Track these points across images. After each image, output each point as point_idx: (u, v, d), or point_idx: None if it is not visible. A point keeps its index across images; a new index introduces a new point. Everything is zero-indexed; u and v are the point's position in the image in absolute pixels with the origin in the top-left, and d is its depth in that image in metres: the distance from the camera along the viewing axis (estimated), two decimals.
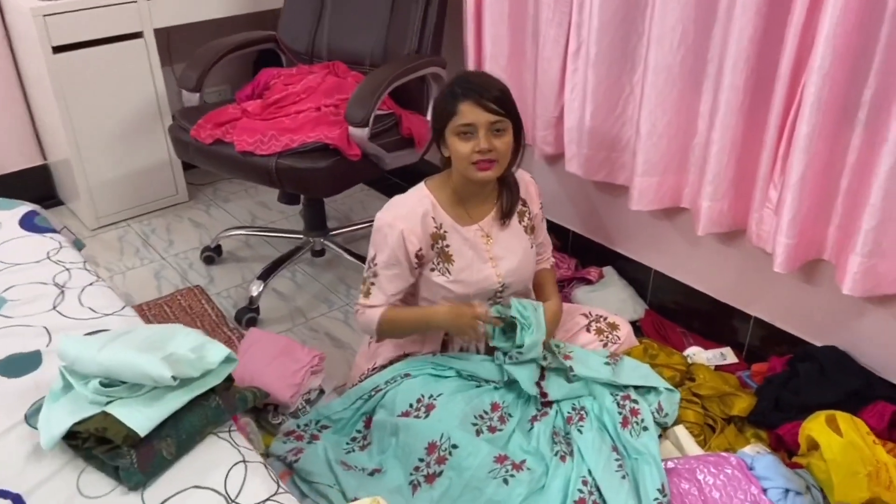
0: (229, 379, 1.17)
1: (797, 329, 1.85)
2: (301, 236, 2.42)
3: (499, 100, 1.53)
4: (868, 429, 1.51)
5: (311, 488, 1.51)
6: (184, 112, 2.16)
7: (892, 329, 1.65)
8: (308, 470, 1.52)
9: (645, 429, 1.59)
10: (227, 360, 1.14)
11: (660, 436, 1.64)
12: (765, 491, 1.50)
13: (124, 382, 1.11)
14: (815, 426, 1.48)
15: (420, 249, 1.60)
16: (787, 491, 1.50)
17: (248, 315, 2.15)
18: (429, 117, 2.19)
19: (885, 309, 1.65)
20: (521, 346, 1.59)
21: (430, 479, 1.49)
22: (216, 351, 1.13)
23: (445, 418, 1.56)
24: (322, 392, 1.83)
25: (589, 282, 2.20)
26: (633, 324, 2.10)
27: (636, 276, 2.20)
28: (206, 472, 1.05)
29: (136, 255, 2.56)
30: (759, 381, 1.82)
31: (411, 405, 1.61)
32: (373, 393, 1.68)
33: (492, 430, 1.57)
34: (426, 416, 1.57)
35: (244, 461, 1.07)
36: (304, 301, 2.30)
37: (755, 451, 1.61)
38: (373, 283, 1.63)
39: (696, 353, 1.96)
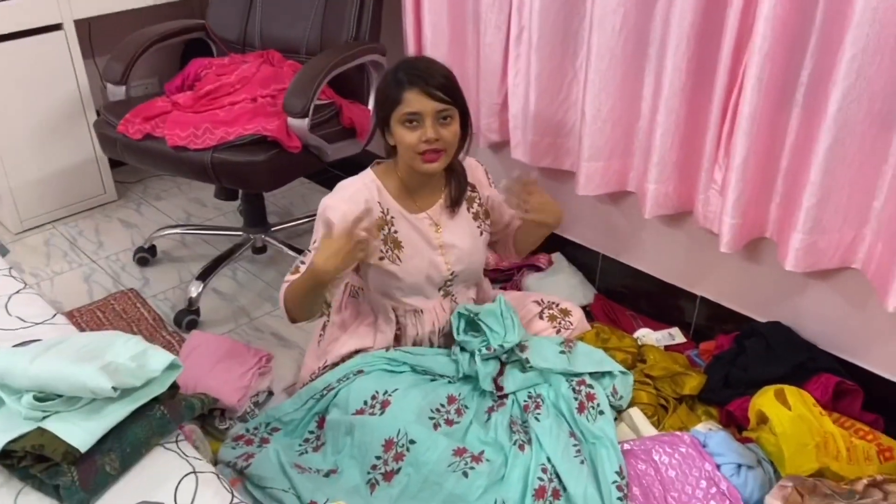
0: (174, 386, 1.11)
1: (742, 307, 1.89)
2: (240, 233, 2.33)
3: (445, 87, 1.49)
4: (814, 401, 1.55)
5: (264, 494, 1.45)
6: (110, 106, 2.05)
7: (832, 303, 1.70)
8: (260, 475, 1.46)
9: (601, 413, 1.59)
10: (171, 366, 1.08)
11: (615, 418, 1.65)
12: (718, 467, 1.52)
13: (60, 396, 1.04)
14: (764, 401, 1.51)
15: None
16: (739, 466, 1.52)
17: (188, 317, 2.07)
18: (370, 107, 2.14)
19: (825, 283, 1.70)
20: (502, 345, 1.62)
21: (388, 476, 1.45)
22: (158, 358, 1.06)
23: (401, 414, 1.52)
24: (271, 394, 1.77)
25: (538, 269, 2.20)
26: (584, 309, 2.10)
27: (585, 261, 2.21)
28: (154, 485, 0.99)
29: (63, 259, 2.43)
30: (706, 360, 1.85)
31: (366, 402, 1.56)
32: (325, 392, 1.63)
33: (449, 423, 1.55)
34: (381, 413, 1.53)
35: (194, 472, 1.02)
36: (248, 300, 2.23)
37: (707, 429, 1.63)
38: (303, 262, 1.56)
39: (646, 335, 1.98)
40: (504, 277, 2.21)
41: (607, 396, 1.64)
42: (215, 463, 1.56)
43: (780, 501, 1.40)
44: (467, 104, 1.56)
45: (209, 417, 1.69)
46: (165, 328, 2.07)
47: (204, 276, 2.14)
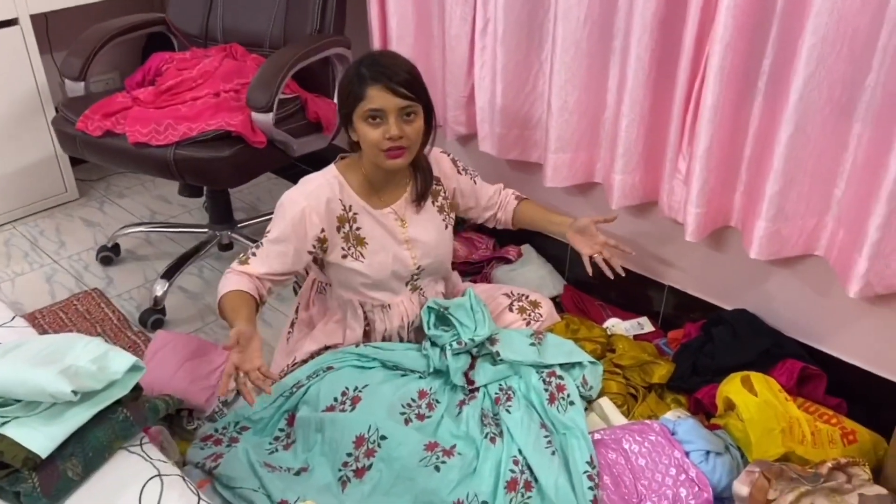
0: (137, 388, 1.08)
1: (709, 295, 1.91)
2: (206, 230, 2.30)
3: (408, 83, 1.48)
4: (780, 386, 1.57)
5: (233, 494, 1.43)
6: (68, 103, 2.00)
7: (796, 289, 1.73)
8: (229, 475, 1.44)
9: (571, 403, 1.59)
10: (133, 368, 1.06)
11: (585, 409, 1.66)
12: (687, 454, 1.54)
13: (19, 401, 1.01)
14: (731, 388, 1.53)
15: (322, 231, 1.54)
16: (707, 452, 1.54)
17: (154, 317, 2.03)
18: (336, 100, 2.12)
19: (789, 270, 1.72)
20: (473, 339, 1.62)
21: (359, 473, 1.44)
22: (120, 360, 1.04)
23: (372, 410, 1.52)
24: (239, 393, 1.74)
25: (508, 261, 2.20)
26: (553, 300, 2.12)
27: (554, 252, 2.21)
28: (118, 490, 0.97)
29: (24, 260, 2.37)
30: (674, 348, 1.87)
31: (336, 399, 1.55)
32: (294, 389, 1.61)
33: (420, 417, 1.54)
34: (352, 409, 1.52)
35: (160, 475, 1.00)
36: (215, 298, 2.16)
37: (676, 417, 1.65)
38: (254, 254, 1.54)
39: (615, 325, 1.99)
40: (474, 270, 2.21)
41: (577, 387, 1.65)
42: (184, 464, 1.54)
43: (748, 486, 1.42)
44: (431, 99, 1.55)
45: (177, 418, 1.67)
46: (130, 328, 2.03)
47: (169, 274, 2.10)
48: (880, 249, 1.45)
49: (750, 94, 1.57)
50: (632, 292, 2.06)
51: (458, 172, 1.74)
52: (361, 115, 1.48)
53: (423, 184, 1.65)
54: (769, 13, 1.48)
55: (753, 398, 1.49)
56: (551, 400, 1.57)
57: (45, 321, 2.06)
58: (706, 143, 1.58)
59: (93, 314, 2.09)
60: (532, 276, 2.14)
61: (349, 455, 1.46)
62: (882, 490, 1.41)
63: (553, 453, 1.47)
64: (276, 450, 1.58)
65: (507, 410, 1.56)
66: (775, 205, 1.55)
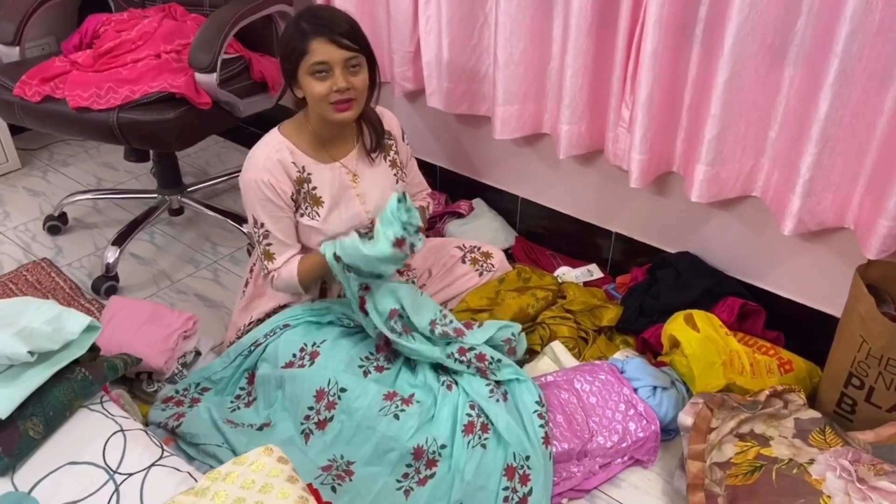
0: (95, 349, 1.09)
1: (654, 240, 1.97)
2: (155, 196, 2.27)
3: (351, 34, 1.48)
4: (721, 322, 1.65)
5: (197, 451, 1.46)
6: (3, 68, 1.94)
7: (735, 230, 1.80)
8: (193, 432, 1.47)
9: (499, 361, 1.60)
10: (89, 328, 1.06)
11: (539, 353, 1.71)
12: (635, 390, 1.62)
13: None
14: (675, 326, 1.60)
15: (292, 194, 1.56)
16: (654, 388, 1.62)
17: (107, 284, 2.02)
18: (278, 58, 2.10)
19: (728, 212, 1.79)
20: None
21: (321, 425, 1.48)
22: (75, 320, 1.05)
23: (331, 364, 1.55)
24: (198, 354, 1.76)
25: (460, 215, 2.23)
26: (506, 251, 2.16)
27: (505, 205, 2.25)
28: (81, 446, 0.99)
29: None
30: (622, 292, 1.93)
31: (294, 355, 1.58)
32: (253, 348, 1.63)
33: (379, 369, 1.58)
34: (311, 365, 1.55)
35: (122, 430, 1.02)
36: (168, 263, 2.19)
37: (625, 356, 1.72)
38: (269, 245, 1.58)
39: (566, 273, 2.05)
40: (427, 225, 2.23)
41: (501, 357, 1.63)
42: (146, 425, 1.56)
43: (692, 417, 1.49)
44: (374, 52, 1.56)
45: (137, 381, 1.68)
46: (83, 296, 2.01)
47: (120, 240, 2.08)
48: (812, 188, 1.52)
49: (688, 42, 1.61)
50: (581, 241, 2.12)
51: (402, 139, 1.75)
52: (306, 70, 1.48)
53: (375, 135, 1.66)
54: None
55: (696, 334, 1.57)
56: (482, 373, 1.57)
57: None
58: (647, 90, 1.62)
59: (43, 284, 2.06)
60: (484, 230, 2.17)
61: (310, 409, 1.50)
62: (816, 414, 1.51)
63: (498, 401, 1.50)
64: (238, 408, 1.61)
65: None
66: (713, 149, 1.61)
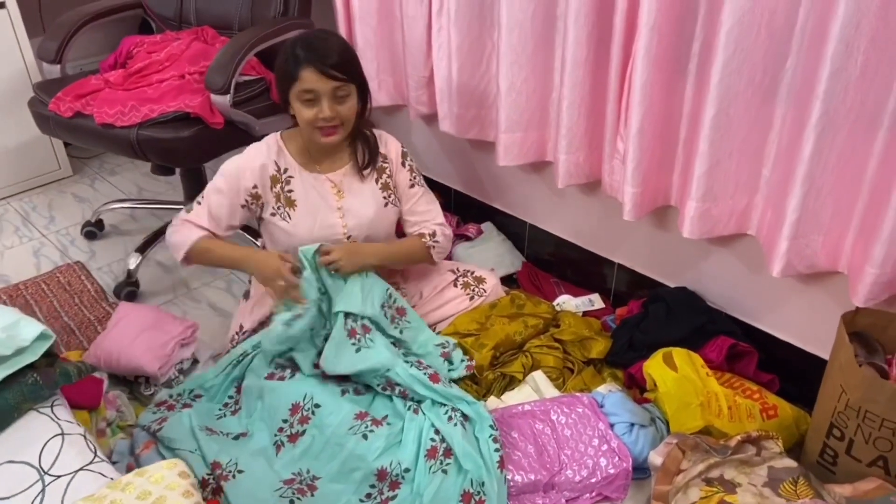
0: (51, 355, 1.18)
1: (655, 273, 1.94)
2: (181, 206, 2.39)
3: (341, 65, 1.53)
4: (703, 362, 1.61)
5: (173, 455, 1.53)
6: (42, 85, 2.09)
7: (732, 268, 1.76)
8: (170, 437, 1.54)
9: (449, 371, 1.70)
10: (42, 336, 1.15)
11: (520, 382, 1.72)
12: (612, 426, 1.60)
13: None
14: (652, 364, 1.58)
15: (255, 187, 1.66)
16: (632, 425, 1.59)
17: (127, 289, 2.14)
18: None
19: (726, 249, 1.75)
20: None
21: (293, 438, 1.53)
22: (29, 328, 1.13)
23: (309, 380, 1.60)
24: (196, 361, 1.84)
25: (468, 238, 2.26)
26: (511, 276, 2.17)
27: (514, 229, 2.26)
28: (21, 446, 1.06)
29: (15, 234, 2.49)
30: (619, 324, 1.91)
31: (277, 368, 1.64)
32: (241, 358, 1.70)
33: (357, 392, 1.62)
34: (291, 377, 1.61)
35: (62, 433, 1.09)
36: (188, 272, 2.29)
37: (608, 390, 1.70)
38: (199, 203, 1.68)
39: (566, 301, 2.04)
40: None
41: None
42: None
43: (662, 457, 1.47)
44: (365, 77, 1.61)
45: (136, 384, 1.77)
46: (106, 299, 2.14)
47: (143, 248, 2.20)
48: (799, 229, 1.47)
49: (682, 77, 1.60)
50: (585, 270, 2.11)
51: (402, 164, 1.78)
52: (296, 95, 1.55)
53: (367, 154, 1.71)
54: None
55: (672, 373, 1.54)
56: (433, 379, 1.59)
57: (27, 292, 2.18)
58: (637, 124, 1.61)
59: (73, 286, 2.20)
60: (490, 254, 2.19)
61: (284, 421, 1.55)
62: (792, 463, 1.46)
63: (456, 425, 1.51)
64: (224, 415, 1.67)
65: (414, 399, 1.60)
66: (703, 184, 1.58)
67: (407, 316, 1.76)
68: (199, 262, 1.72)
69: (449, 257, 2.21)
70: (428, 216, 1.83)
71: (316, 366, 1.62)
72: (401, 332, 1.74)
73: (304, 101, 1.54)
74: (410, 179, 1.80)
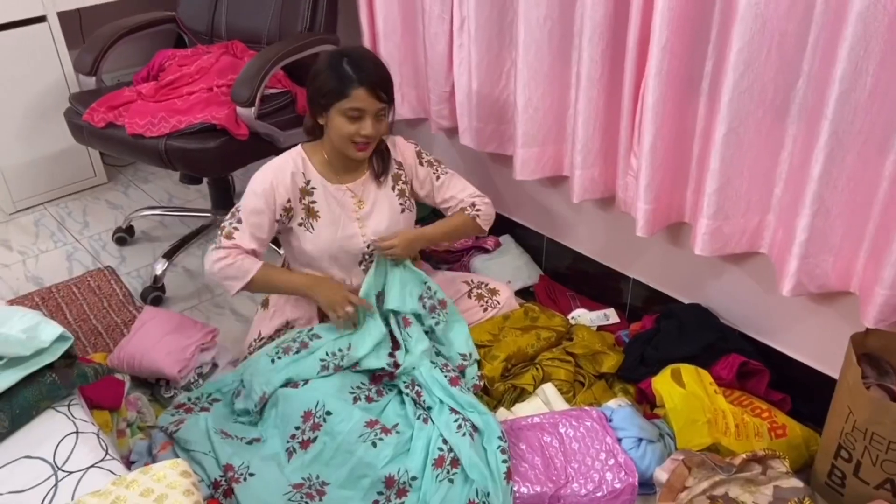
0: (71, 356, 1.23)
1: (669, 289, 1.95)
2: (209, 214, 2.46)
3: (387, 87, 1.62)
4: (711, 379, 1.62)
5: (188, 456, 1.58)
6: (78, 96, 2.18)
7: (745, 285, 1.76)
8: (186, 439, 1.59)
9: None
10: (61, 338, 1.20)
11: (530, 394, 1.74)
12: (620, 440, 1.61)
13: None
14: (660, 379, 1.59)
15: (288, 201, 1.70)
16: (640, 440, 1.60)
17: (153, 294, 2.21)
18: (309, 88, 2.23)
19: (739, 267, 1.75)
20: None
21: (304, 444, 1.57)
22: (49, 331, 1.19)
23: (322, 387, 1.64)
24: (216, 366, 1.90)
25: (486, 250, 2.28)
26: (528, 289, 2.20)
27: (532, 243, 2.28)
28: (38, 443, 1.12)
29: (50, 239, 2.59)
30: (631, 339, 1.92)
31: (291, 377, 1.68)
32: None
33: (369, 399, 1.66)
34: (304, 385, 1.65)
35: (77, 431, 1.14)
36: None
37: (618, 405, 1.71)
38: (236, 228, 1.69)
39: (581, 315, 2.06)
40: (454, 258, 2.30)
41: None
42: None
43: (668, 473, 1.48)
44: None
45: (156, 387, 1.83)
46: (133, 303, 2.22)
47: (170, 254, 2.27)
48: (808, 249, 1.47)
49: (695, 95, 1.61)
50: (601, 284, 2.12)
51: (420, 164, 1.83)
52: (341, 111, 1.61)
53: (381, 163, 1.77)
54: (708, 16, 1.51)
55: (679, 389, 1.55)
56: (453, 383, 1.66)
57: (59, 295, 2.26)
58: (650, 141, 1.63)
59: (102, 290, 2.28)
60: (508, 266, 2.21)
61: (297, 428, 1.59)
62: (798, 483, 1.45)
63: (465, 435, 1.54)
64: (242, 421, 1.72)
65: (423, 406, 1.65)
66: (714, 202, 1.59)
67: (447, 308, 1.83)
68: (257, 290, 1.76)
69: (468, 269, 2.25)
70: (462, 194, 1.86)
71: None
72: (437, 323, 1.81)
73: (349, 117, 1.60)
74: (434, 172, 1.84)
